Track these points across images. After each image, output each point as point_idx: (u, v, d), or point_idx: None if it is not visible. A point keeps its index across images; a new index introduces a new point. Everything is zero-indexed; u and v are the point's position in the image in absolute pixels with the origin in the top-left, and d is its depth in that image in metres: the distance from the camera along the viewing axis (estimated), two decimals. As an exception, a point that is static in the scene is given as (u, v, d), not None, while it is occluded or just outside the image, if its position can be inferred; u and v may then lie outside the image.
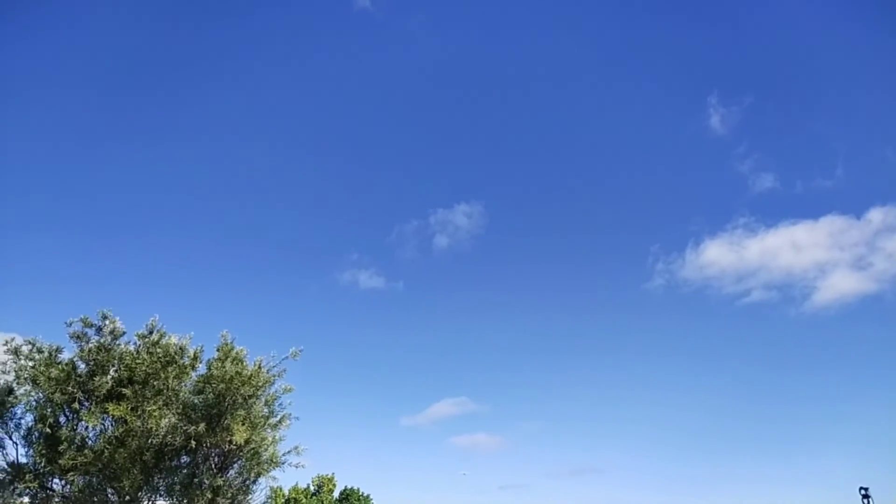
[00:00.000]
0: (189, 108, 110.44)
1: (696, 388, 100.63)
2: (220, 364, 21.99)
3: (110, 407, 20.55)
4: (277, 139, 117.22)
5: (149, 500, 21.82)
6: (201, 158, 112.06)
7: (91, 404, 21.19)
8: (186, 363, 22.08)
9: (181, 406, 21.48)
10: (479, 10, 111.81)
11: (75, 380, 21.28)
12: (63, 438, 20.43)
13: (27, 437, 21.78)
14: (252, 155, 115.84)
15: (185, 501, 21.43)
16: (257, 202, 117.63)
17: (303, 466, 24.06)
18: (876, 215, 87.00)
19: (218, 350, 22.74)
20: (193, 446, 21.08)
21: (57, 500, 21.42)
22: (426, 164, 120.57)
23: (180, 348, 22.09)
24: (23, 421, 22.00)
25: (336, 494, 53.77)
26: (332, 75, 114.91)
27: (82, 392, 21.28)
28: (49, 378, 20.88)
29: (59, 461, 20.15)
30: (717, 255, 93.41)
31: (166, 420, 20.74)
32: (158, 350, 21.84)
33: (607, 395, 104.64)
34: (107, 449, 20.47)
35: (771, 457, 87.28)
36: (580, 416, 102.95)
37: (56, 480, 21.61)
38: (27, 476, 20.71)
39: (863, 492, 33.79)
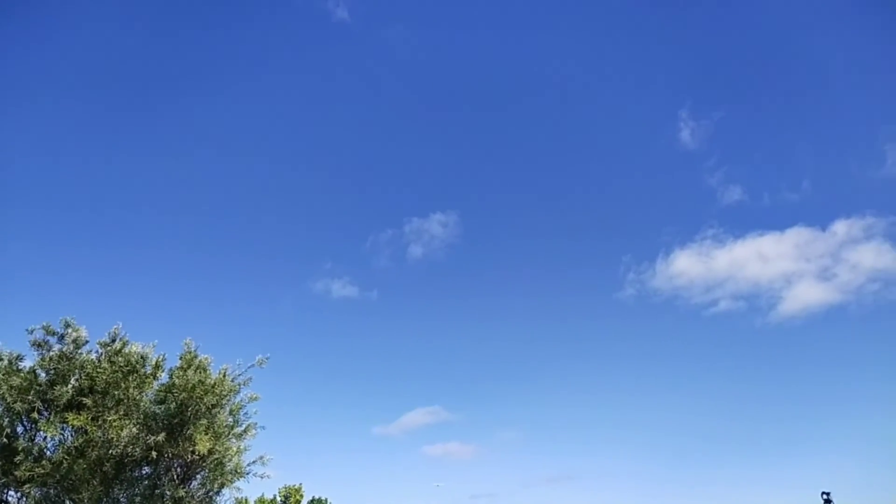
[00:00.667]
0: (161, 120, 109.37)
1: (667, 395, 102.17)
2: (181, 373, 21.73)
3: (70, 417, 20.17)
4: (251, 149, 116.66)
5: (108, 512, 21.43)
6: (173, 168, 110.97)
7: (50, 414, 20.79)
8: (148, 372, 21.77)
9: (142, 416, 21.17)
10: (457, 20, 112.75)
11: (35, 389, 20.86)
12: (20, 449, 20.00)
13: (-18, 448, 21.27)
14: (225, 164, 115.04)
15: (145, 513, 21.09)
16: (230, 211, 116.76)
17: (268, 477, 23.86)
18: (840, 227, 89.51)
19: (181, 358, 22.47)
20: (154, 457, 20.74)
21: (13, 512, 20.96)
22: (401, 173, 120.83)
23: (142, 357, 21.78)
24: (-23, 431, 21.49)
25: (304, 505, 53.18)
26: (307, 86, 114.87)
27: (41, 402, 20.88)
28: (10, 387, 20.46)
29: (16, 472, 19.70)
30: (687, 265, 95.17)
31: (127, 430, 20.40)
32: (120, 359, 21.51)
33: (581, 402, 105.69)
34: (65, 460, 20.05)
35: (740, 460, 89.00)
36: (554, 423, 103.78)
37: (11, 493, 21.13)
38: (-19, 488, 20.24)
39: (825, 496, 34.23)
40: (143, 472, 22.09)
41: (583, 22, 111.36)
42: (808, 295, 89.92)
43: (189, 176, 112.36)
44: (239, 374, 23.14)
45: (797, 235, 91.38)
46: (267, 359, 23.20)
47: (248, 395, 23.60)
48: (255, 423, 23.84)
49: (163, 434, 20.79)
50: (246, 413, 23.70)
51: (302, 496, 52.23)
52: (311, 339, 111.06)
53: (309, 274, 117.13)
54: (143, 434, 20.88)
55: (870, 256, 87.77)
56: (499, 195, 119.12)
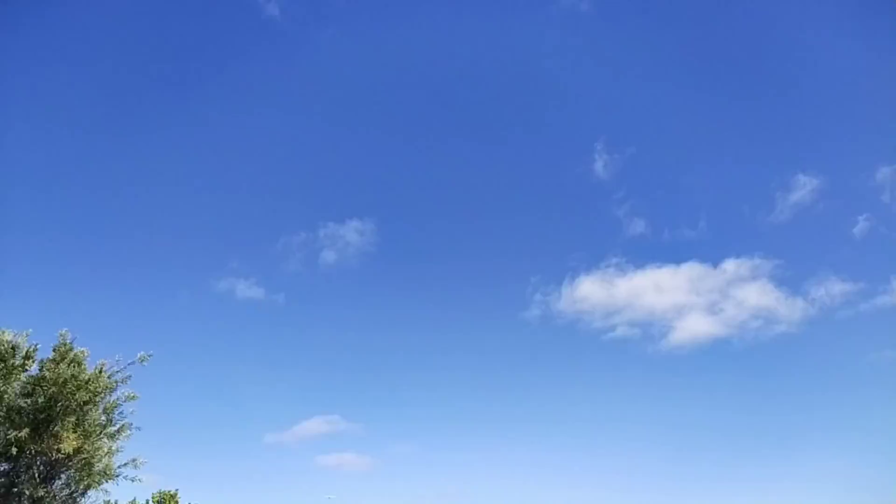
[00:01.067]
0: (66, 103, 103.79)
1: (565, 416, 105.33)
2: (54, 366, 20.56)
3: (-78, 406, 18.73)
4: (165, 139, 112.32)
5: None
6: (68, 150, 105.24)
7: None
8: (17, 363, 20.46)
9: (5, 409, 19.87)
10: (388, 25, 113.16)
11: None
12: None
13: None
14: (134, 153, 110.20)
15: (-1, 512, 19.75)
16: (134, 200, 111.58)
17: (139, 480, 22.82)
18: (730, 266, 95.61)
19: (55, 350, 21.25)
20: (15, 453, 19.48)
21: None
22: (320, 176, 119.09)
23: (12, 346, 20.45)
24: None
25: (179, 512, 51.01)
26: (231, 81, 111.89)
27: None
28: None
29: None
30: (590, 290, 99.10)
31: (-14, 423, 19.12)
32: (-12, 347, 20.15)
33: (482, 418, 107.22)
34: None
35: (629, 478, 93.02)
36: (451, 438, 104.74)
37: None
38: None
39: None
40: (1, 468, 20.70)
41: (510, 42, 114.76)
42: (696, 327, 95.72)
43: (90, 159, 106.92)
44: (118, 371, 22.13)
45: (691, 270, 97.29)
46: (150, 356, 22.32)
47: (126, 393, 22.60)
48: (131, 424, 22.83)
49: (26, 429, 19.58)
50: (122, 412, 22.66)
51: (177, 502, 50.13)
52: (207, 339, 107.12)
53: (212, 271, 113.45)
54: (5, 428, 19.61)
55: (754, 295, 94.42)
56: (418, 208, 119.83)
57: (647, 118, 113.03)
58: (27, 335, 21.23)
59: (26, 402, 20.44)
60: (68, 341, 21.56)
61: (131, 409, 22.86)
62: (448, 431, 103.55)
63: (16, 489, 20.14)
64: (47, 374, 20.39)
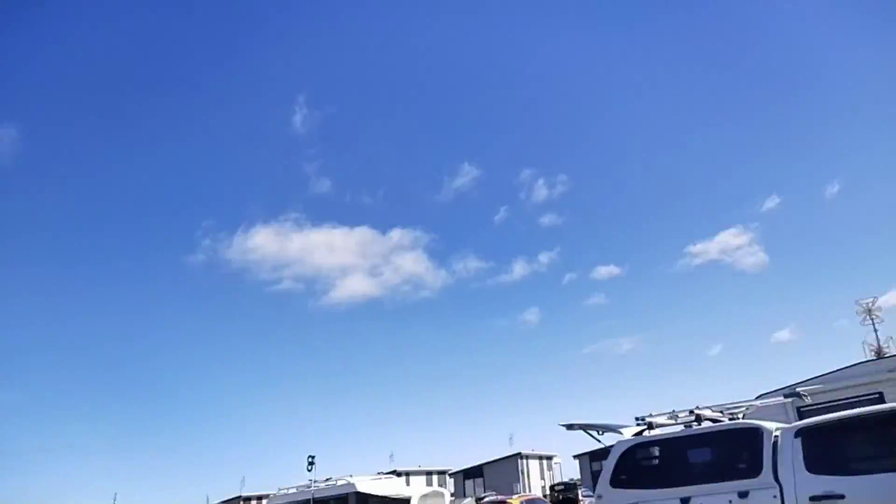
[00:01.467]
0: None
1: (227, 370, 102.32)
2: None
3: None
4: None
5: None
6: None
7: None
8: None
9: None
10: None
11: None
12: None
13: None
14: None
15: None
16: None
17: None
18: (396, 234, 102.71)
19: None
20: None
21: None
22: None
23: None
24: None
25: None
26: None
27: None
28: None
29: None
30: (264, 241, 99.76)
31: None
32: None
33: (122, 365, 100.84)
34: None
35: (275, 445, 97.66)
36: (79, 384, 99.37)
37: None
38: None
39: (310, 459, 33.55)
40: None
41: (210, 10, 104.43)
42: (356, 286, 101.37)
43: None
44: None
45: (363, 234, 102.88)
46: None
47: None
48: None
49: None
50: None
51: None
52: None
53: None
54: None
55: (409, 263, 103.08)
56: (77, 119, 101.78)
57: (351, 79, 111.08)
58: None
59: None
60: None
61: None
62: (76, 376, 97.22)
63: None
64: None
